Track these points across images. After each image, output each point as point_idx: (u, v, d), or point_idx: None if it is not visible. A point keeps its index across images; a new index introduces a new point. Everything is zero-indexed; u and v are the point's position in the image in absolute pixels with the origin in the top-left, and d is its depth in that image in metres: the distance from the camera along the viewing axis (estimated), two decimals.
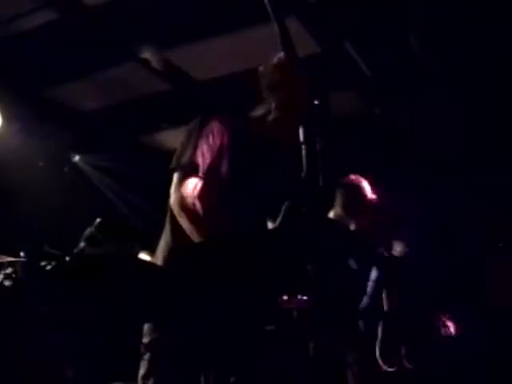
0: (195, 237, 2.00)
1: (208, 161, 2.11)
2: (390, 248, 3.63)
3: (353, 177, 3.49)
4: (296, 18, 4.19)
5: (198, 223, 2.02)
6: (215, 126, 2.19)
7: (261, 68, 2.30)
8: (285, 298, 2.45)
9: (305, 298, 2.36)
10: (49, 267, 1.72)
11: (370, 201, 3.42)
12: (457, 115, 5.18)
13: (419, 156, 5.52)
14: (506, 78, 4.67)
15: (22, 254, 2.85)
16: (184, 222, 2.05)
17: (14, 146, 5.29)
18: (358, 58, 4.75)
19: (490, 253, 4.52)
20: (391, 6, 4.12)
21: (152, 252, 2.35)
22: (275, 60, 2.25)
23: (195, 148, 2.11)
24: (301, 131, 1.95)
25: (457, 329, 3.83)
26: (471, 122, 5.20)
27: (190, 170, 2.10)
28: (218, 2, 4.08)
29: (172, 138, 5.84)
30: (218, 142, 2.15)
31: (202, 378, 1.92)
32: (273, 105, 2.24)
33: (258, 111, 2.30)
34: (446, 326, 3.76)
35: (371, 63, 4.84)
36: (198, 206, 2.06)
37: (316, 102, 2.00)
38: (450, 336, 3.81)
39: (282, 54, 2.20)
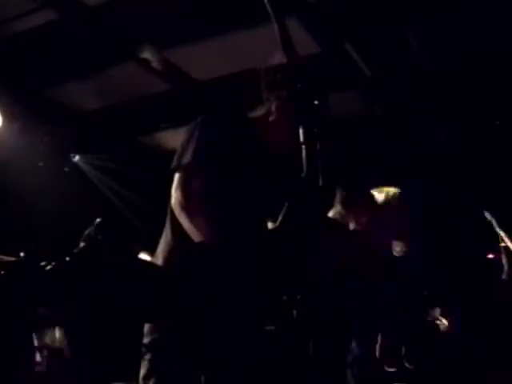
0: (196, 237, 2.00)
1: (209, 161, 2.11)
2: (389, 247, 3.63)
3: (353, 175, 3.49)
4: (296, 18, 4.19)
5: (198, 223, 2.02)
6: (216, 126, 2.19)
7: (261, 68, 2.30)
8: (285, 298, 2.45)
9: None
10: (49, 267, 1.72)
11: (370, 199, 3.42)
12: (458, 115, 5.19)
13: (419, 155, 5.52)
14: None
15: (21, 254, 2.85)
16: (185, 223, 2.05)
17: (14, 145, 5.29)
18: (357, 58, 4.76)
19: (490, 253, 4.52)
20: (391, 6, 4.12)
21: (152, 252, 2.35)
22: (275, 60, 2.25)
23: (196, 148, 2.11)
24: (301, 131, 1.94)
25: (457, 328, 3.83)
26: (472, 123, 5.20)
27: (190, 171, 2.10)
28: (218, 2, 4.08)
29: (172, 138, 5.85)
30: (218, 143, 2.15)
31: (202, 378, 1.93)
32: (273, 105, 2.24)
33: (258, 112, 2.30)
34: (447, 326, 3.76)
35: (371, 63, 4.85)
36: (199, 206, 2.06)
37: (316, 102, 2.00)
38: (450, 336, 3.81)
39: (281, 54, 2.19)
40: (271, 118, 2.25)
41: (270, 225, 2.31)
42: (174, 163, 2.15)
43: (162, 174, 2.24)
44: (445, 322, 3.45)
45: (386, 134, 5.55)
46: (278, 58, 2.21)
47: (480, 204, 4.97)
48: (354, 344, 3.09)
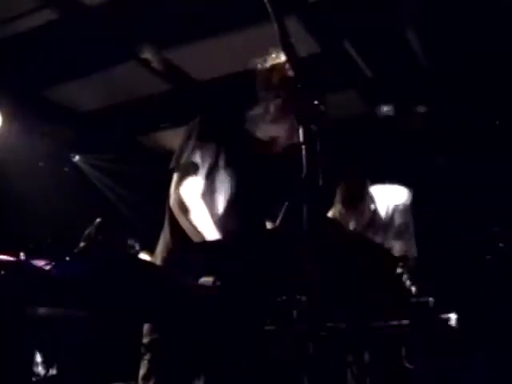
0: (195, 237, 2.00)
1: (207, 161, 2.11)
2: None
3: (353, 175, 3.49)
4: (296, 18, 4.19)
5: (197, 223, 2.02)
6: (214, 126, 2.19)
7: (258, 68, 2.29)
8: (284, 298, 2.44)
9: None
10: (49, 267, 1.72)
11: (370, 198, 3.42)
12: (458, 115, 5.18)
13: (419, 155, 5.52)
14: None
15: (21, 254, 2.85)
16: (184, 222, 2.05)
17: (13, 145, 5.29)
18: (357, 58, 4.76)
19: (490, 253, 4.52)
20: (391, 6, 4.12)
21: (152, 252, 2.35)
22: (272, 60, 2.25)
23: (194, 148, 2.11)
24: (301, 131, 1.94)
25: (457, 329, 3.82)
26: (469, 125, 5.20)
27: (189, 171, 2.10)
28: (218, 2, 4.08)
29: (172, 138, 5.84)
30: (216, 142, 2.15)
31: (202, 378, 1.92)
32: (270, 105, 2.24)
33: (256, 111, 2.29)
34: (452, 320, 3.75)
35: (371, 63, 4.85)
36: (198, 206, 2.06)
37: (316, 102, 2.00)
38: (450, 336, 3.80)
39: (279, 54, 2.19)
40: (269, 118, 2.25)
41: (269, 225, 2.31)
42: (173, 163, 2.15)
43: (162, 173, 2.25)
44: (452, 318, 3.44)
45: (386, 134, 5.55)
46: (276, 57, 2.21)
47: (480, 204, 4.97)
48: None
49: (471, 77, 4.76)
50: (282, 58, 2.18)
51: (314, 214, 1.98)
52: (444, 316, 2.81)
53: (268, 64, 2.25)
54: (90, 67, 4.94)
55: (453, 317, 3.09)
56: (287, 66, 2.16)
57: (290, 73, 2.15)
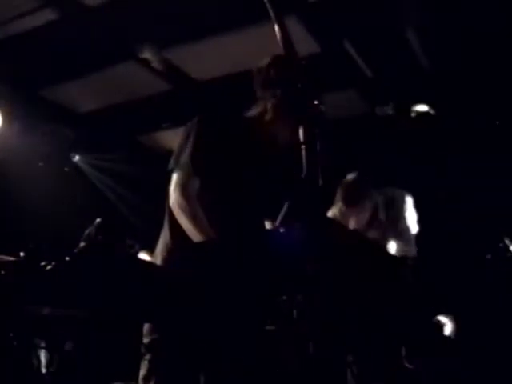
0: (194, 237, 2.00)
1: (206, 161, 2.11)
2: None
3: (354, 174, 3.50)
4: (296, 18, 4.19)
5: (197, 223, 2.02)
6: (213, 125, 2.18)
7: (255, 67, 2.28)
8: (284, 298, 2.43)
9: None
10: (49, 267, 1.72)
11: (370, 198, 3.43)
12: (458, 115, 5.18)
13: (419, 155, 5.52)
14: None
15: (21, 254, 2.85)
16: (183, 222, 2.04)
17: (13, 145, 5.30)
18: (357, 58, 4.76)
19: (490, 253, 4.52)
20: (391, 6, 4.12)
21: (152, 252, 2.35)
22: (269, 58, 2.24)
23: (193, 148, 2.10)
24: (301, 131, 1.94)
25: (456, 329, 3.83)
26: (469, 125, 5.20)
27: (188, 170, 2.10)
28: (218, 2, 4.08)
29: (172, 138, 5.84)
30: (216, 142, 2.14)
31: (202, 378, 1.92)
32: (268, 104, 2.23)
33: (254, 111, 2.28)
34: (446, 326, 3.76)
35: (371, 63, 4.85)
36: (197, 206, 2.05)
37: (316, 102, 2.00)
38: (449, 336, 3.81)
39: (276, 52, 2.18)
40: (267, 117, 2.24)
41: (268, 225, 2.31)
42: (172, 163, 2.14)
43: (162, 174, 2.24)
44: (448, 323, 3.45)
45: (386, 134, 5.54)
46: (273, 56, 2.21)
47: (480, 204, 4.97)
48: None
49: (471, 77, 4.76)
50: (278, 55, 2.17)
51: (314, 213, 1.98)
52: (440, 322, 2.81)
53: (264, 62, 2.24)
54: (90, 67, 4.94)
55: (448, 327, 3.10)
56: (285, 64, 2.15)
57: (289, 71, 2.15)
